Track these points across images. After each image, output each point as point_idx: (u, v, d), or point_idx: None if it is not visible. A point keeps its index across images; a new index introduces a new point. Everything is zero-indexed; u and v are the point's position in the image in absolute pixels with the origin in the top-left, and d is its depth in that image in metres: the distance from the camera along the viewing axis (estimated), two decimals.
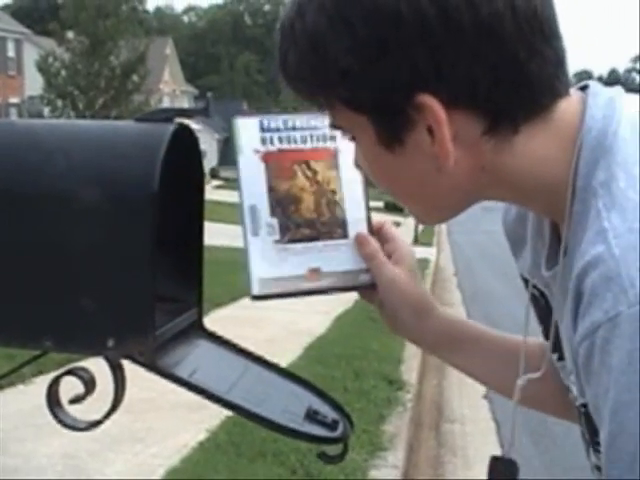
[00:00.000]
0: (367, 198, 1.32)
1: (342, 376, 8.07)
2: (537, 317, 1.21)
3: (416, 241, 28.66)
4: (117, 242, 1.13)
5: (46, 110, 40.30)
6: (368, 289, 1.29)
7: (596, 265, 0.90)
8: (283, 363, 1.37)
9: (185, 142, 1.24)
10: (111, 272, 1.13)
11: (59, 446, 5.61)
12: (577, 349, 0.92)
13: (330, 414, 1.28)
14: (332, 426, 1.26)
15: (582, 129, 0.99)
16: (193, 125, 1.28)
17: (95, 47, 38.82)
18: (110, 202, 1.12)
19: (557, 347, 1.12)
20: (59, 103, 39.59)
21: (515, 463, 1.20)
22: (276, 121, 1.27)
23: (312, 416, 1.25)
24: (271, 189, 1.21)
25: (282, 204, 1.21)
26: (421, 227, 30.74)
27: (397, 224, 32.07)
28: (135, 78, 40.02)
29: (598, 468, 0.97)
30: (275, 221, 1.19)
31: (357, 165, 1.15)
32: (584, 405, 0.98)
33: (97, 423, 1.21)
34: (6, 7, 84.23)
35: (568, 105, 1.02)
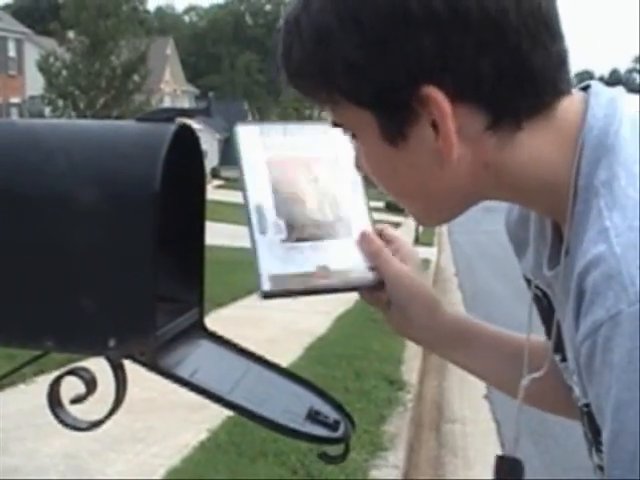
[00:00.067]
0: (367, 203, 1.32)
1: (343, 376, 8.08)
2: (540, 318, 1.21)
3: (417, 241, 28.64)
4: (118, 242, 1.13)
5: (47, 110, 40.33)
6: (375, 289, 1.28)
7: (597, 264, 0.90)
8: (284, 363, 1.37)
9: (186, 142, 1.24)
10: (112, 272, 1.13)
11: (60, 446, 5.61)
12: (579, 348, 0.92)
13: (331, 414, 1.27)
14: (333, 426, 1.25)
15: (584, 128, 1.00)
16: (194, 125, 1.28)
17: (96, 47, 38.84)
18: (111, 202, 1.12)
19: (560, 347, 1.12)
20: (60, 103, 39.62)
21: (520, 462, 1.20)
22: (276, 130, 1.28)
23: (313, 416, 1.25)
24: (275, 191, 1.21)
25: (287, 205, 1.21)
26: (422, 227, 30.75)
27: (398, 224, 32.08)
28: (136, 78, 40.05)
29: (601, 468, 0.97)
30: (281, 221, 1.19)
31: (358, 166, 1.15)
32: (587, 405, 0.98)
33: (98, 423, 1.21)
34: (7, 7, 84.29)
35: (570, 104, 1.02)
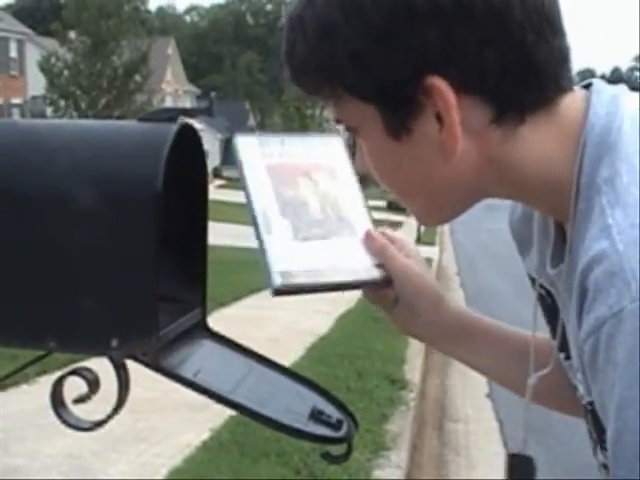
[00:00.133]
0: (368, 206, 1.33)
1: (345, 376, 8.08)
2: (544, 316, 1.21)
3: (419, 240, 28.63)
4: (120, 242, 1.13)
5: (49, 110, 40.35)
6: (382, 286, 1.28)
7: (600, 261, 0.91)
8: (286, 363, 1.37)
9: (188, 142, 1.24)
10: (114, 272, 1.13)
11: (62, 446, 5.61)
12: (582, 346, 0.92)
13: (334, 414, 1.27)
14: (336, 426, 1.25)
15: (586, 126, 1.00)
16: (196, 125, 1.28)
17: (97, 47, 38.84)
18: (113, 202, 1.12)
19: (564, 346, 1.12)
20: (62, 103, 39.61)
21: (532, 459, 1.20)
22: (274, 140, 1.28)
23: (316, 416, 1.25)
24: (278, 195, 1.21)
25: (291, 207, 1.21)
26: (424, 227, 30.74)
27: (399, 224, 32.08)
28: (137, 78, 40.03)
29: (605, 467, 0.97)
30: (287, 221, 1.19)
31: (360, 166, 1.15)
32: (590, 403, 0.98)
33: (101, 423, 1.21)
34: (8, 7, 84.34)
35: (572, 101, 1.03)
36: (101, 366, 1.22)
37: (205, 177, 1.33)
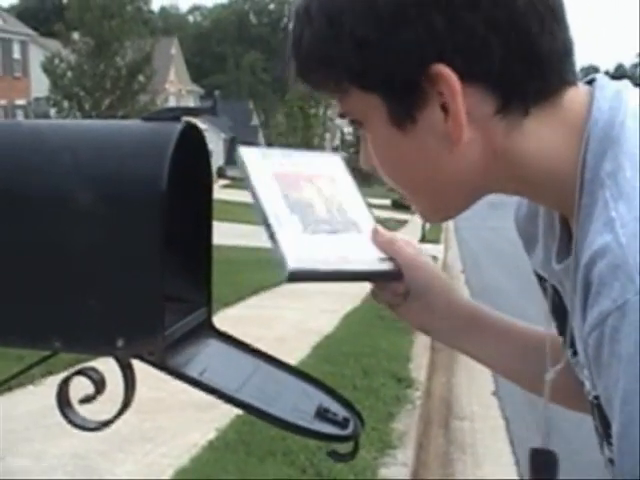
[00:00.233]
0: (371, 210, 1.35)
1: (351, 374, 8.08)
2: (552, 313, 1.21)
3: (423, 239, 28.65)
4: (125, 242, 1.13)
5: (52, 111, 40.38)
6: (393, 279, 1.28)
7: (603, 254, 0.91)
8: (292, 362, 1.37)
9: (193, 141, 1.24)
10: (120, 272, 1.13)
11: (69, 446, 5.62)
12: (587, 339, 0.92)
13: (341, 412, 1.27)
14: (343, 424, 1.25)
15: (589, 120, 1.00)
16: (199, 124, 1.28)
17: (101, 48, 38.86)
18: (118, 201, 1.12)
19: (571, 342, 1.12)
20: (65, 104, 39.65)
21: (554, 453, 1.21)
22: (275, 153, 1.30)
23: (323, 414, 1.25)
24: (285, 197, 1.22)
25: (298, 207, 1.21)
26: (428, 224, 30.75)
27: (404, 222, 32.09)
28: (141, 78, 40.06)
29: (612, 462, 0.97)
30: (296, 217, 1.19)
31: (365, 162, 1.15)
32: (596, 398, 0.98)
33: (107, 423, 1.21)
34: (11, 9, 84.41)
35: (576, 95, 1.03)
36: (107, 366, 1.22)
37: (209, 177, 1.33)
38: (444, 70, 0.97)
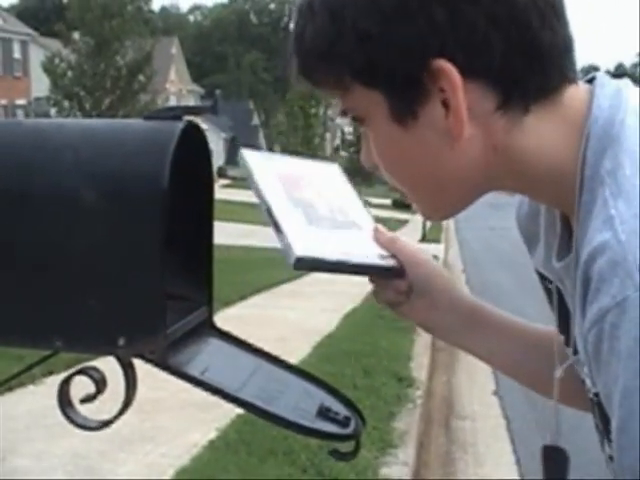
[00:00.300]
0: (370, 213, 1.36)
1: (351, 374, 8.08)
2: (552, 311, 1.21)
3: (424, 238, 28.66)
4: (126, 240, 1.12)
5: (53, 111, 40.34)
6: (395, 277, 1.28)
7: (603, 251, 0.91)
8: (293, 361, 1.37)
9: (194, 140, 1.24)
10: (121, 271, 1.13)
11: (69, 446, 5.62)
12: (586, 336, 0.92)
13: (342, 411, 1.27)
14: (344, 423, 1.25)
15: (589, 118, 1.01)
16: (200, 124, 1.28)
17: (101, 47, 38.84)
18: (119, 200, 1.12)
19: (571, 340, 1.12)
20: (66, 104, 39.61)
21: (565, 451, 1.21)
22: (275, 156, 1.32)
23: (324, 413, 1.25)
24: (289, 195, 1.22)
25: (302, 204, 1.22)
26: (429, 224, 30.77)
27: (405, 222, 32.10)
28: (141, 78, 40.03)
29: (612, 459, 0.97)
30: (300, 211, 1.20)
31: (366, 160, 1.15)
32: (596, 395, 0.98)
33: (108, 422, 1.21)
34: (11, 8, 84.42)
35: (576, 93, 1.04)
36: (107, 366, 1.22)
37: (211, 176, 1.33)
38: (445, 65, 0.97)
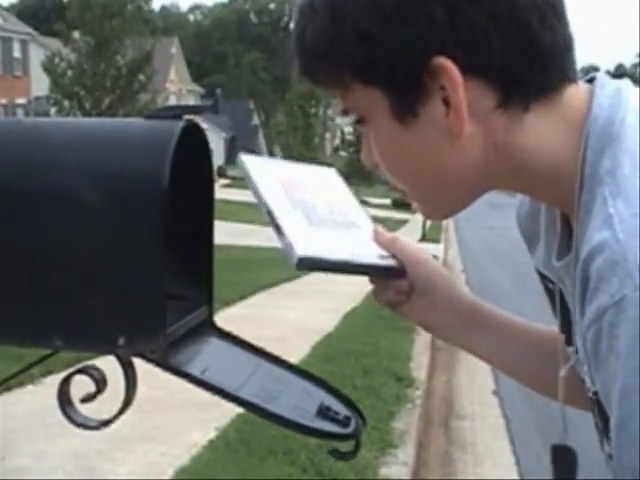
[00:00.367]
0: (369, 216, 1.37)
1: (351, 374, 8.08)
2: (552, 311, 1.21)
3: (424, 238, 28.66)
4: (127, 240, 1.12)
5: (53, 110, 40.31)
6: (396, 277, 1.29)
7: (601, 250, 0.91)
8: (292, 361, 1.37)
9: (194, 139, 1.24)
10: (121, 270, 1.13)
11: (69, 446, 5.62)
12: (585, 335, 0.92)
13: (342, 410, 1.27)
14: (344, 422, 1.25)
15: (589, 117, 1.01)
16: (200, 123, 1.28)
17: (101, 47, 38.80)
18: (119, 199, 1.12)
19: (572, 340, 1.12)
20: (66, 103, 39.56)
21: (573, 449, 1.21)
22: (274, 161, 1.33)
23: (324, 412, 1.25)
24: (288, 196, 1.23)
25: (302, 205, 1.23)
26: (429, 223, 30.77)
27: (404, 221, 32.09)
28: (141, 77, 39.98)
29: (611, 457, 0.98)
30: (300, 212, 1.20)
31: (366, 159, 1.16)
32: (595, 393, 0.98)
33: (108, 422, 1.21)
34: (11, 7, 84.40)
35: (576, 92, 1.04)
36: (107, 365, 1.22)
37: (211, 175, 1.34)
38: (445, 63, 0.97)
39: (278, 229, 1.14)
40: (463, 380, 9.60)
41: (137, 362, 1.20)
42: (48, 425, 5.71)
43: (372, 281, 1.31)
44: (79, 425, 1.21)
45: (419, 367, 9.10)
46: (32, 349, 1.21)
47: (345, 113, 1.10)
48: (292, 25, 1.09)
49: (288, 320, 11.05)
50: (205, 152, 1.30)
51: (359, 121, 1.09)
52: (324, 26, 1.02)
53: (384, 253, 1.28)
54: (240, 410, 1.24)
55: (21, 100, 49.90)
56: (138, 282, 1.13)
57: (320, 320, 11.21)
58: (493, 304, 1.40)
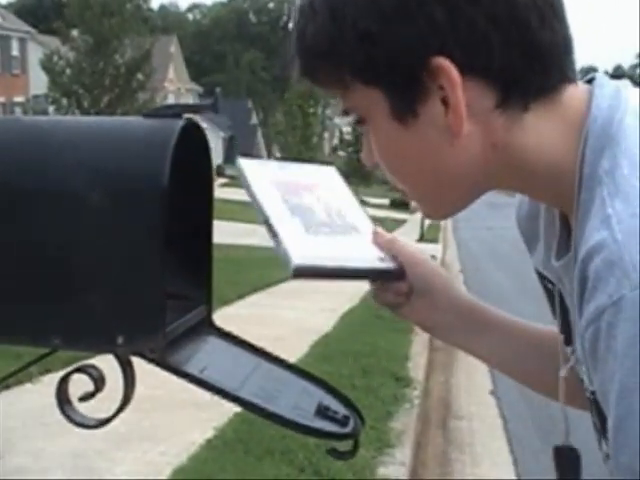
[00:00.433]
0: (369, 217, 1.37)
1: (349, 373, 8.08)
2: (551, 311, 1.22)
3: (422, 238, 28.67)
4: (126, 239, 1.12)
5: (51, 109, 40.26)
6: (395, 279, 1.29)
7: (600, 250, 0.91)
8: (291, 361, 1.37)
9: (194, 138, 1.24)
10: (120, 269, 1.13)
11: (67, 445, 5.61)
12: (583, 335, 0.93)
13: (341, 410, 1.27)
14: (343, 422, 1.25)
15: (588, 117, 1.01)
16: (199, 122, 1.28)
17: (100, 45, 38.77)
18: (119, 198, 1.12)
19: (572, 340, 1.12)
20: (64, 102, 39.53)
21: (576, 449, 1.22)
22: (272, 164, 1.32)
23: (323, 412, 1.25)
24: (286, 202, 1.22)
25: (300, 209, 1.22)
26: (427, 223, 30.79)
27: (403, 221, 32.10)
28: (140, 76, 39.95)
29: (609, 457, 0.98)
30: (297, 219, 1.20)
31: (366, 159, 1.16)
32: (593, 393, 0.98)
33: (106, 421, 1.21)
34: (10, 5, 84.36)
35: (575, 92, 1.04)
36: (105, 364, 1.22)
37: (210, 175, 1.33)
38: (444, 63, 0.98)
39: (275, 237, 1.14)
40: (461, 380, 9.61)
41: (136, 361, 1.20)
42: (46, 424, 5.71)
43: (371, 283, 1.31)
44: (77, 424, 1.20)
45: (417, 367, 9.11)
46: (31, 348, 1.21)
47: (345, 113, 1.10)
48: (291, 25, 1.09)
49: (287, 320, 11.05)
50: (205, 151, 1.30)
51: (359, 121, 1.09)
52: (324, 26, 1.02)
53: (383, 255, 1.28)
54: (238, 410, 1.24)
55: (19, 98, 49.84)
56: (137, 281, 1.13)
57: (319, 320, 11.21)
58: (492, 305, 1.40)
